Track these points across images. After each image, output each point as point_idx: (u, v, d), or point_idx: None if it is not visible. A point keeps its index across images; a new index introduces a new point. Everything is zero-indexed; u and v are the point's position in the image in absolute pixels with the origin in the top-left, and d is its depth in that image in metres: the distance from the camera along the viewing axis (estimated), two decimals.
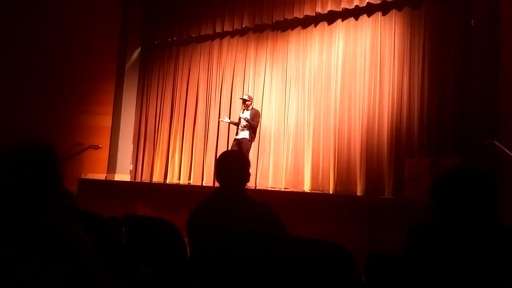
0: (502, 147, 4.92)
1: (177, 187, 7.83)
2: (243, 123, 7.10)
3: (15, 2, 9.21)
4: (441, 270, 1.51)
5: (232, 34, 8.69)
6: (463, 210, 1.57)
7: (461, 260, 1.50)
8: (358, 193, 6.68)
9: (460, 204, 1.58)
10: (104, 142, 9.15)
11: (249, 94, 7.62)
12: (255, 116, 7.16)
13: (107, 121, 9.28)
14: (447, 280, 1.50)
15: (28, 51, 9.19)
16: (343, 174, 6.97)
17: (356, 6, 7.08)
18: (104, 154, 9.12)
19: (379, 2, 6.91)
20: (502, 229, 1.56)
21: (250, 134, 7.09)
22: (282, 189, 7.38)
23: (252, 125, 7.08)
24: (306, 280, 1.88)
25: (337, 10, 7.30)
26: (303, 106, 7.62)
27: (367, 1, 6.93)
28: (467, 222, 1.56)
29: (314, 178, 7.23)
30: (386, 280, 1.71)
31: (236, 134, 7.22)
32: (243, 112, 7.20)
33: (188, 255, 2.43)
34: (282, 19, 7.89)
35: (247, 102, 7.19)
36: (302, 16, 7.67)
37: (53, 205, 1.34)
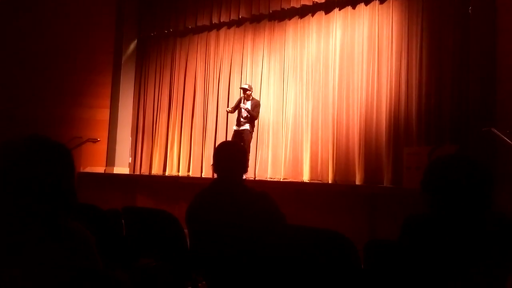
0: (500, 134, 4.92)
1: (176, 179, 7.84)
2: (244, 113, 6.97)
3: None
4: (436, 260, 1.52)
5: (229, 24, 8.64)
6: (454, 199, 1.57)
7: (454, 250, 1.51)
8: (357, 182, 6.69)
9: (451, 192, 1.58)
10: (103, 135, 9.14)
11: (248, 83, 7.53)
12: (256, 107, 7.04)
13: (105, 114, 9.26)
14: (443, 269, 1.50)
15: (24, 45, 9.13)
16: (342, 164, 6.98)
17: None
18: (102, 147, 9.11)
19: None
20: (495, 217, 1.56)
21: (250, 125, 7.01)
22: (281, 180, 7.39)
23: (253, 116, 6.98)
24: (306, 269, 1.89)
25: None
26: (301, 96, 7.61)
27: None
28: (459, 211, 1.56)
29: (313, 168, 7.24)
30: (385, 267, 1.72)
31: (237, 126, 7.06)
32: (244, 103, 7.03)
33: (188, 245, 2.44)
34: (279, 8, 7.84)
35: (247, 92, 7.04)
36: (299, 6, 7.62)
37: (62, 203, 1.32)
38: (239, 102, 7.13)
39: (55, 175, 1.28)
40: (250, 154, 7.28)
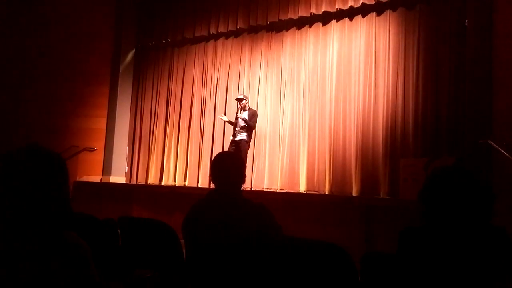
0: (497, 146, 4.94)
1: (172, 189, 7.82)
2: (241, 123, 6.95)
3: (9, 7, 9.16)
4: (434, 273, 1.51)
5: (227, 35, 8.68)
6: (453, 211, 1.57)
7: (452, 263, 1.50)
8: (354, 194, 6.68)
9: (449, 205, 1.57)
10: (99, 145, 9.12)
11: (244, 93, 7.57)
12: (253, 116, 7.02)
13: (102, 123, 9.25)
14: (440, 282, 1.50)
15: (21, 54, 9.15)
16: (339, 175, 6.98)
17: (351, 6, 7.09)
18: (99, 156, 9.08)
19: (373, 2, 6.92)
20: (493, 230, 1.56)
21: (247, 135, 6.97)
22: (277, 190, 7.37)
23: (250, 126, 6.95)
24: (302, 281, 1.88)
25: (331, 11, 7.30)
26: (298, 107, 7.63)
27: (361, 1, 6.95)
28: (456, 223, 1.56)
29: (309, 179, 7.23)
30: (382, 280, 1.71)
31: (234, 136, 7.05)
32: (240, 112, 7.03)
33: (184, 256, 2.43)
34: (276, 20, 7.89)
35: (243, 102, 7.06)
36: (296, 17, 7.67)
37: (52, 211, 1.31)
38: (237, 113, 7.15)
39: (50, 185, 1.28)
40: (246, 164, 7.27)
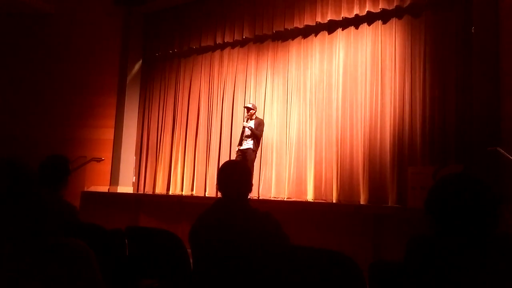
0: (506, 153, 4.90)
1: (179, 198, 7.81)
2: (247, 132, 6.99)
3: (17, 20, 9.29)
4: (442, 281, 1.50)
5: (233, 45, 8.72)
6: (460, 219, 1.55)
7: (460, 271, 1.49)
8: (361, 202, 6.66)
9: (456, 212, 1.56)
10: (107, 155, 9.16)
11: (252, 102, 7.58)
12: (259, 125, 7.05)
13: (109, 134, 9.29)
14: None
15: (29, 66, 9.26)
16: (346, 183, 6.95)
17: (356, 15, 7.11)
18: (106, 166, 9.12)
19: (379, 10, 6.93)
20: (501, 238, 1.54)
21: (254, 144, 6.98)
22: (285, 199, 7.36)
23: (256, 135, 6.97)
24: None
25: (337, 19, 7.33)
26: (305, 116, 7.63)
27: (367, 10, 6.97)
28: (464, 232, 1.54)
29: (317, 187, 7.22)
30: None
31: (240, 145, 7.10)
32: (247, 121, 7.08)
33: (191, 266, 2.42)
34: (282, 29, 7.92)
35: (251, 111, 7.09)
36: (302, 26, 7.70)
37: (53, 219, 1.33)
38: (244, 121, 7.19)
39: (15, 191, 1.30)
40: (253, 173, 7.27)
